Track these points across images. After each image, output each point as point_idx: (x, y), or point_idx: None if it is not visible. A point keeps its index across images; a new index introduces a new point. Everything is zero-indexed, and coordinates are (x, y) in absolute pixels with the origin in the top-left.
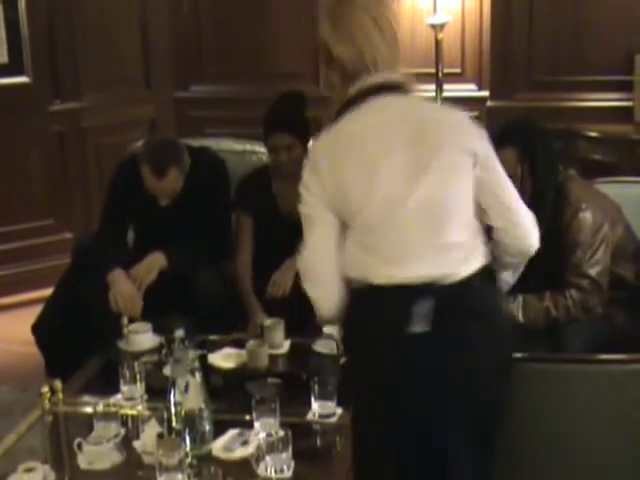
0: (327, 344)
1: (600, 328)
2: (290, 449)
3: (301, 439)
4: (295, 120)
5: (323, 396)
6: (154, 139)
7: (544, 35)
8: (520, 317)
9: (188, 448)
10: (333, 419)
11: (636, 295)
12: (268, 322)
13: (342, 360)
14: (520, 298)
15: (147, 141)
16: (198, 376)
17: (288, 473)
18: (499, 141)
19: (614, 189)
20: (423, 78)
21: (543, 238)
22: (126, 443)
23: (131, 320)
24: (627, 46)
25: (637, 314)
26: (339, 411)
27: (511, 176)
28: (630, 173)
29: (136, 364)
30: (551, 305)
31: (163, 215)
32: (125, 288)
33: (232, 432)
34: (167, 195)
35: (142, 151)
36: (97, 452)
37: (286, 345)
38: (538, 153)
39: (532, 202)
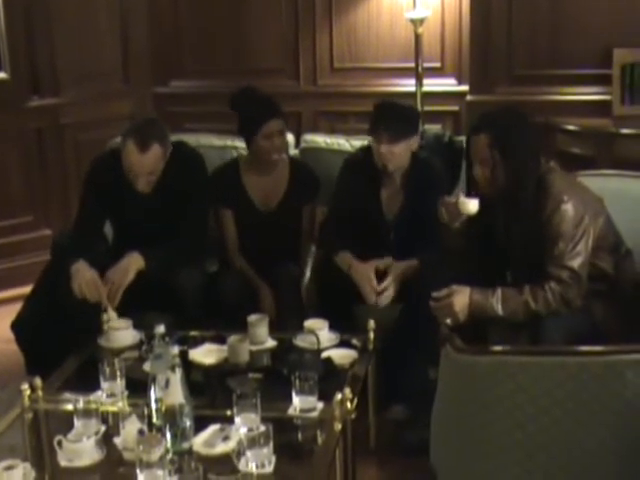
0: (308, 339)
1: (579, 320)
2: (271, 444)
3: (282, 434)
4: (279, 105)
5: (304, 391)
6: (139, 118)
7: (523, 29)
8: (500, 310)
9: (169, 444)
10: (314, 414)
11: (615, 287)
12: (252, 318)
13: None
14: (499, 291)
15: (132, 121)
16: (178, 372)
17: (269, 468)
18: (475, 127)
19: (593, 182)
20: (403, 72)
21: (524, 231)
22: (106, 440)
23: (102, 311)
24: (606, 40)
25: (616, 306)
26: (320, 406)
27: (483, 162)
28: (609, 166)
29: (116, 361)
30: (530, 298)
31: (141, 209)
32: (87, 274)
33: (213, 427)
34: (146, 176)
35: (126, 129)
36: (77, 449)
37: (270, 341)
38: (511, 140)
39: (509, 191)
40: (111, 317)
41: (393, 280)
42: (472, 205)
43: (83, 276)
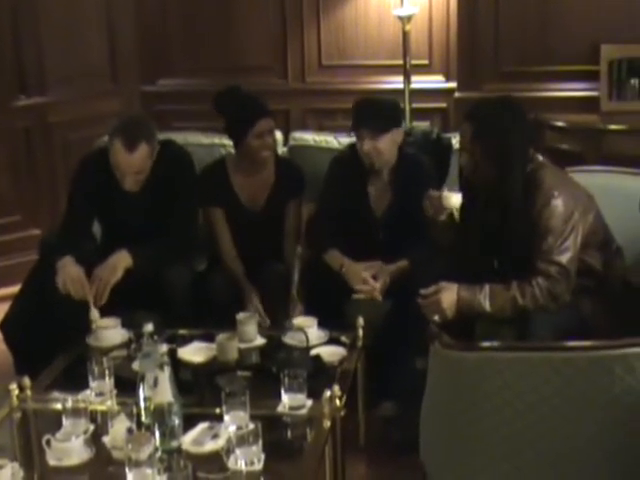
0: (297, 336)
1: (567, 316)
2: (260, 442)
3: (271, 432)
4: (266, 103)
5: (293, 388)
6: (126, 116)
7: (511, 26)
8: (487, 307)
9: (158, 443)
10: (303, 411)
11: (604, 284)
12: (241, 316)
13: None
14: (487, 288)
15: (119, 118)
16: (167, 370)
17: (258, 466)
18: (464, 115)
19: (582, 178)
20: (390, 70)
21: (514, 226)
22: (95, 439)
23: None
24: (593, 36)
25: (604, 303)
26: (309, 403)
27: (466, 151)
28: (597, 162)
29: (105, 359)
30: (518, 294)
31: (129, 208)
32: (72, 270)
33: (202, 426)
34: (133, 175)
35: (113, 127)
36: (66, 448)
37: (259, 339)
38: (493, 135)
39: (496, 187)
40: (94, 316)
41: (382, 285)
42: (455, 198)
43: (68, 272)
